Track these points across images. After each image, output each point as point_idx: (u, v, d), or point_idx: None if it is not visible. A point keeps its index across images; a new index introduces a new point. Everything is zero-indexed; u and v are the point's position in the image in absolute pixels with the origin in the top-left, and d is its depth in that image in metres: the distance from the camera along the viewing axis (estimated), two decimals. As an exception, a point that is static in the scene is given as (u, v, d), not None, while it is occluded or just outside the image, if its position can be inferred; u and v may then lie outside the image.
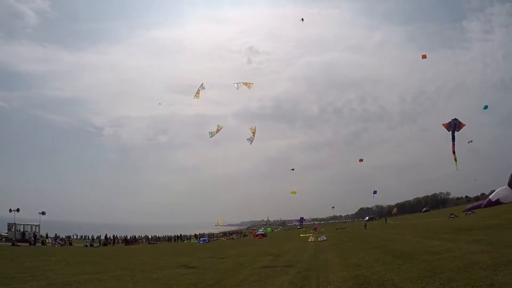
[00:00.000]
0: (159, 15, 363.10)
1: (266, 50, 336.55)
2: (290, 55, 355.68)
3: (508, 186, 40.65)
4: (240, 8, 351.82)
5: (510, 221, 19.47)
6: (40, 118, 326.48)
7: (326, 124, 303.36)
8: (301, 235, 54.62)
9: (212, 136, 39.64)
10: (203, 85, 36.84)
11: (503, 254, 10.67)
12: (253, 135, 41.62)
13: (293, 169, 68.61)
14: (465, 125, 34.67)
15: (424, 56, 43.50)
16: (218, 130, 39.33)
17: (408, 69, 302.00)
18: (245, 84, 35.91)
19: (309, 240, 37.28)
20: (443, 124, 35.16)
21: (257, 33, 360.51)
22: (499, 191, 41.91)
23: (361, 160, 69.46)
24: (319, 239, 36.18)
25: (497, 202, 42.39)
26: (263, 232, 76.37)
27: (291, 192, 70.30)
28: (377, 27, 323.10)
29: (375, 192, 69.64)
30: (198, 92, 35.85)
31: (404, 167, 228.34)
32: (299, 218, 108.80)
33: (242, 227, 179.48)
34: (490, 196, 43.07)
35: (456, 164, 35.46)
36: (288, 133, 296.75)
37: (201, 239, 67.13)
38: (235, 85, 35.88)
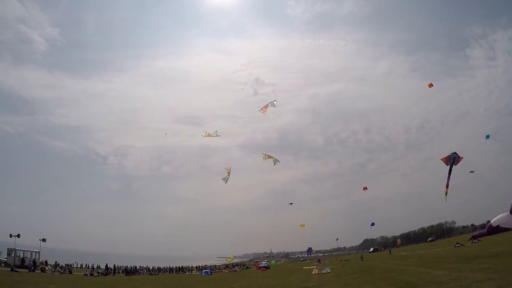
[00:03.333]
0: (166, 45, 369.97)
1: (272, 82, 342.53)
2: (295, 87, 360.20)
3: (510, 213, 40.50)
4: (246, 39, 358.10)
5: None
6: (44, 144, 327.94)
7: (331, 155, 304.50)
8: (304, 267, 53.64)
9: (226, 181, 40.60)
10: (274, 102, 37.96)
11: (509, 282, 10.53)
12: (228, 175, 42.92)
13: (291, 203, 67.96)
14: (463, 158, 35.03)
15: (430, 85, 44.43)
16: (228, 173, 40.36)
17: (413, 98, 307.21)
18: (265, 107, 37.14)
19: (313, 272, 36.61)
20: (441, 159, 35.56)
21: (263, 65, 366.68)
22: (500, 217, 41.79)
23: (365, 188, 69.30)
24: (323, 271, 35.51)
25: (498, 228, 42.12)
26: (266, 265, 74.78)
27: (300, 225, 69.38)
28: (381, 57, 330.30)
29: (373, 224, 69.92)
30: (266, 107, 36.72)
31: (409, 197, 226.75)
32: (307, 249, 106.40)
33: (244, 259, 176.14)
34: (491, 221, 42.94)
35: (446, 198, 35.75)
36: (293, 164, 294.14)
37: (203, 271, 65.98)
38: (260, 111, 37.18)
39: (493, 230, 43.69)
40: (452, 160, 34.43)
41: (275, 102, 37.95)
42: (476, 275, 13.44)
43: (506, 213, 42.09)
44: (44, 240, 55.47)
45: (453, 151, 35.45)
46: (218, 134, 39.37)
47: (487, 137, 51.62)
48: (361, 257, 59.43)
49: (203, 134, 39.27)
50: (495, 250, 20.93)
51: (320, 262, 66.99)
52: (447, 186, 35.59)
